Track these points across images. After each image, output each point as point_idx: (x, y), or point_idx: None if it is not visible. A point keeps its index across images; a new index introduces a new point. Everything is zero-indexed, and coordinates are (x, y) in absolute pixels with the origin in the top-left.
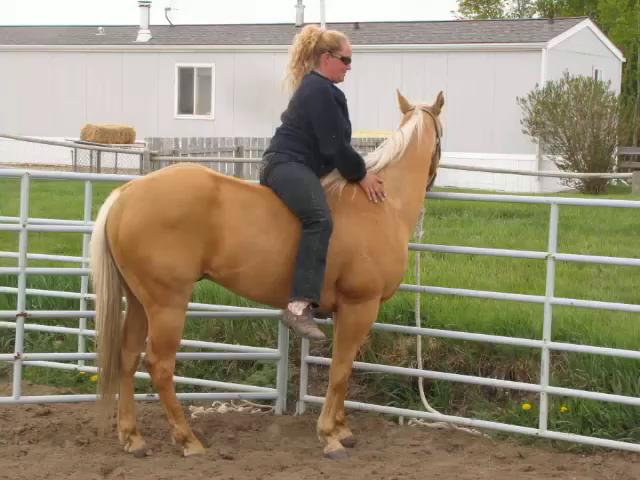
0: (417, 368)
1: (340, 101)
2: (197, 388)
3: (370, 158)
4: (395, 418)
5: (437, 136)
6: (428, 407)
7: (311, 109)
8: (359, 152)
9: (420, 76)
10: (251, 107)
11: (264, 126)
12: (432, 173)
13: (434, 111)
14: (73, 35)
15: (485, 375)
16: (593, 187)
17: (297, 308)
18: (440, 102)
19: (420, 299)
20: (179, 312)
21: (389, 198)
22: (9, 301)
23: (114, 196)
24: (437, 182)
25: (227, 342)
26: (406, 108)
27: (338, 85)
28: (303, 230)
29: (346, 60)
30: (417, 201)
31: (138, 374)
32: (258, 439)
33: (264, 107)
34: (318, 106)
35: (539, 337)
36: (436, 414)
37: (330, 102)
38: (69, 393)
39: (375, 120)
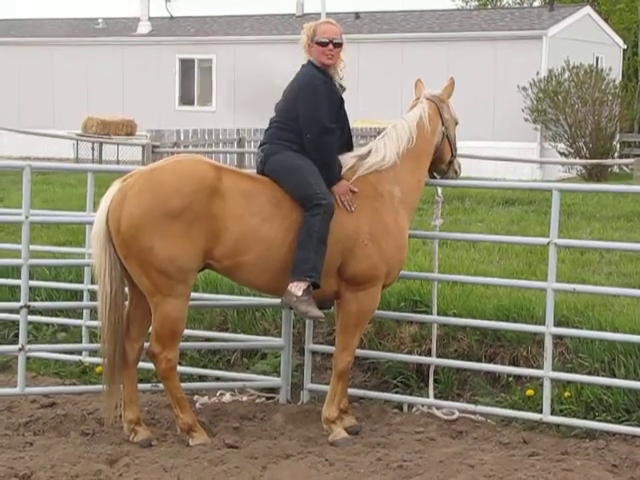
0: (423, 355)
1: (329, 97)
2: (201, 378)
3: (373, 151)
4: (399, 405)
5: (443, 124)
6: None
7: (297, 103)
8: (361, 142)
9: (421, 65)
10: (253, 98)
11: (265, 117)
12: (443, 162)
13: (441, 99)
14: (73, 28)
15: (489, 362)
16: (595, 174)
17: (297, 288)
18: (451, 88)
19: (422, 287)
20: (182, 302)
21: (388, 185)
22: (12, 293)
23: (115, 187)
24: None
25: (231, 332)
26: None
27: (338, 72)
28: (305, 214)
29: (322, 43)
30: (416, 189)
31: (143, 364)
32: (263, 428)
33: (265, 97)
34: (302, 102)
35: (542, 323)
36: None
37: (314, 101)
38: (74, 384)
39: (376, 110)
